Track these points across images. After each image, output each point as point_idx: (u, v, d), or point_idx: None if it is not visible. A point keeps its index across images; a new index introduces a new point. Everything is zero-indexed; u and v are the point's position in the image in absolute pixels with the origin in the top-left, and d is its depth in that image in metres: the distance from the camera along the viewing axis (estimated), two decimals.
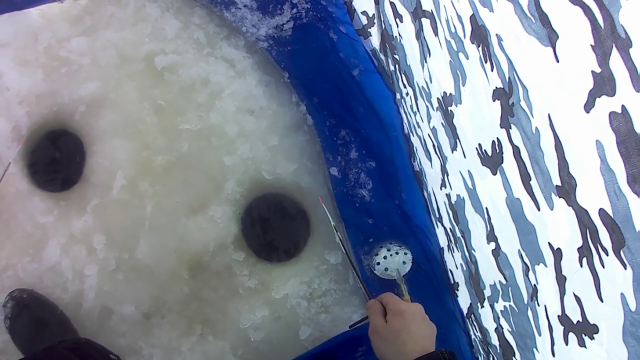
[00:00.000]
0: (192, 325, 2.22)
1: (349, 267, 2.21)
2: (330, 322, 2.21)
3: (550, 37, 0.91)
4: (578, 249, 1.04)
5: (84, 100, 2.27)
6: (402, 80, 2.03)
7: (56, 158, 2.29)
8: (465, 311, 2.14)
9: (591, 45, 0.78)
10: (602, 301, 1.01)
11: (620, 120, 0.78)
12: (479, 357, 2.13)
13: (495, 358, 1.89)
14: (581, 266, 1.05)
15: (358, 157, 2.24)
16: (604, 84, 0.79)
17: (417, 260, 2.20)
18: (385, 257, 2.16)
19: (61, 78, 2.28)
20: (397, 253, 2.17)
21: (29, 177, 2.27)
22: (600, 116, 0.82)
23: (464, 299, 2.11)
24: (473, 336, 2.13)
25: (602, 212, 0.91)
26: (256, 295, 2.22)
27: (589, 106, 0.84)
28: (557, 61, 0.90)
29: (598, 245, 0.96)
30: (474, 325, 2.05)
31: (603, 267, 0.96)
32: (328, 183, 2.26)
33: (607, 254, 0.94)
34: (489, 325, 1.84)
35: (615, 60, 0.75)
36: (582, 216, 0.98)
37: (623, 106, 0.76)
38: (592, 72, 0.80)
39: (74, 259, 2.25)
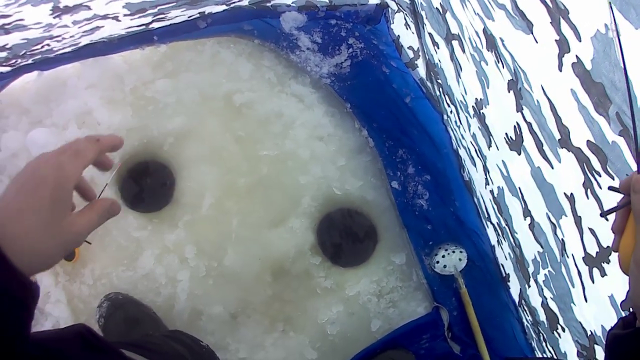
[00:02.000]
0: (274, 323, 2.40)
1: (413, 266, 2.47)
2: (398, 315, 2.41)
3: (529, 26, 1.24)
4: (583, 184, 1.28)
5: (171, 134, 2.47)
6: (446, 101, 2.29)
7: (148, 183, 2.48)
8: (517, 300, 2.33)
9: (550, 22, 1.11)
10: (607, 220, 1.11)
11: (578, 67, 1.08)
12: (532, 342, 2.31)
13: (545, 335, 2.06)
14: (587, 198, 1.28)
15: (415, 172, 2.50)
16: (563, 46, 1.11)
17: (471, 258, 2.42)
18: (443, 256, 2.41)
19: (149, 114, 2.47)
20: (453, 252, 2.41)
21: (123, 200, 2.44)
22: (567, 70, 1.13)
23: (514, 288, 2.30)
24: (525, 323, 2.32)
25: (588, 142, 1.17)
26: (332, 294, 2.42)
27: (560, 66, 1.15)
28: (537, 42, 1.23)
29: (593, 172, 1.20)
30: (525, 310, 2.25)
31: (600, 188, 1.20)
32: (390, 195, 2.49)
33: (600, 175, 1.18)
34: (536, 302, 2.02)
35: (564, 26, 1.07)
36: (578, 154, 1.24)
37: (576, 55, 1.07)
38: (555, 40, 1.12)
39: (167, 267, 2.42)
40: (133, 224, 2.44)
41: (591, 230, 1.34)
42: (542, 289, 1.91)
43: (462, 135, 2.28)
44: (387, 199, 2.52)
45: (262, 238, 2.48)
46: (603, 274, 1.34)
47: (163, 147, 2.49)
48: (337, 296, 2.44)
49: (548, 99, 1.31)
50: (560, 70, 1.17)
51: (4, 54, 2.00)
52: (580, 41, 1.05)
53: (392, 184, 2.49)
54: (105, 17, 2.00)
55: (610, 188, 0.95)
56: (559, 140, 1.34)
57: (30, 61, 2.29)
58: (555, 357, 2.02)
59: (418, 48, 2.37)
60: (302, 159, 2.50)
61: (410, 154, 2.52)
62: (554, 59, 1.17)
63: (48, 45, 2.11)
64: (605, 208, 1.10)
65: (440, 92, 2.36)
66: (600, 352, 1.53)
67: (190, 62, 2.57)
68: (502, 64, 1.51)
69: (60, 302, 2.36)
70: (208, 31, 2.55)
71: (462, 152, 2.40)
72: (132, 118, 2.48)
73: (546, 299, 1.90)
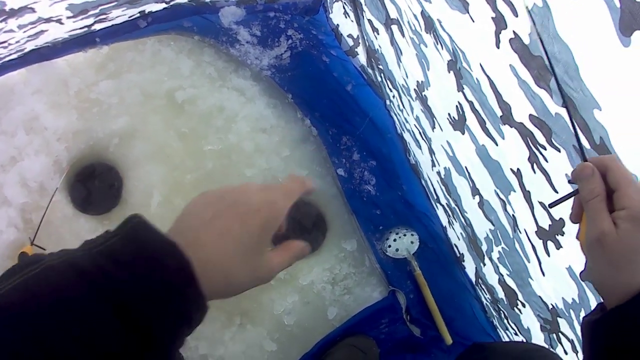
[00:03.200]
0: (231, 317, 2.34)
1: (365, 251, 2.41)
2: (353, 301, 2.36)
3: (465, 6, 1.18)
4: (528, 159, 1.25)
5: (116, 134, 2.41)
6: (388, 86, 2.25)
7: (96, 185, 2.43)
8: (473, 279, 2.30)
9: (485, 0, 1.07)
10: (556, 192, 1.20)
11: (516, 42, 1.03)
12: (493, 320, 2.28)
13: (505, 312, 2.04)
14: (534, 172, 1.26)
15: (360, 158, 2.44)
16: (500, 22, 1.05)
17: (423, 241, 2.38)
18: (395, 240, 2.36)
19: (93, 117, 2.41)
20: (404, 235, 2.36)
21: (73, 203, 2.38)
22: (505, 46, 1.08)
23: (470, 267, 2.27)
24: (485, 301, 2.29)
25: (531, 116, 1.14)
26: (285, 284, 2.36)
27: (497, 43, 1.10)
28: (473, 21, 1.17)
29: (538, 145, 1.17)
30: (483, 289, 2.21)
31: (547, 161, 1.18)
32: (337, 183, 2.44)
33: (545, 149, 1.15)
34: (493, 280, 2.00)
35: (500, 3, 1.02)
36: (521, 129, 1.21)
37: (513, 31, 1.02)
38: (492, 17, 1.06)
39: None
40: (84, 227, 2.37)
41: (541, 204, 1.32)
42: (497, 267, 1.89)
43: (405, 119, 2.23)
44: (333, 186, 2.47)
45: None
46: (558, 246, 1.33)
47: (109, 148, 2.43)
48: (291, 286, 2.38)
49: (487, 76, 1.26)
50: (498, 47, 1.13)
51: None
52: (516, 17, 1.01)
53: (337, 171, 2.44)
54: (49, 20, 1.94)
55: (551, 205, 0.98)
56: (500, 116, 1.30)
57: None
58: (521, 336, 1.99)
59: (358, 36, 2.32)
60: (247, 152, 2.45)
61: (355, 141, 2.47)
62: (491, 37, 1.13)
63: None
64: (554, 182, 1.16)
65: (381, 77, 2.32)
66: (564, 324, 1.50)
67: (132, 62, 2.51)
68: (441, 45, 1.46)
69: None
70: (148, 30, 2.49)
71: (406, 135, 2.36)
72: (78, 121, 2.42)
73: (503, 276, 1.88)
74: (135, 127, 2.45)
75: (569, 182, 1.04)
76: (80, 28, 2.26)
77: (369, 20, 2.07)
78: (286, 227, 0.94)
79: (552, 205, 0.98)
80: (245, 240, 0.82)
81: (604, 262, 0.85)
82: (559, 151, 1.11)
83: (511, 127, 1.27)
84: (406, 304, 2.35)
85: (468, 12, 1.20)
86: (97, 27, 2.36)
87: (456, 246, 2.37)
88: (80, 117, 2.43)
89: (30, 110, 2.40)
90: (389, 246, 2.37)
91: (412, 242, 2.38)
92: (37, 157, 2.36)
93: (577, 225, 0.93)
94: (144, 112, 2.47)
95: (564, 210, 1.05)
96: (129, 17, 2.40)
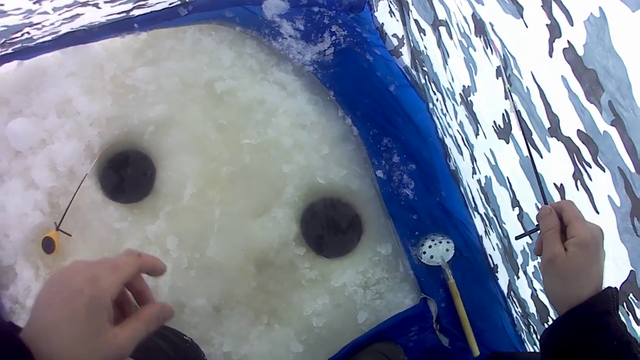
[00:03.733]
0: (259, 315, 2.37)
1: (399, 257, 2.44)
2: (384, 307, 2.38)
3: (519, 10, 1.21)
4: (573, 175, 1.28)
5: (152, 122, 2.45)
6: (432, 89, 2.29)
7: (128, 173, 2.47)
8: (505, 290, 2.32)
9: (541, 5, 1.09)
10: (598, 213, 1.22)
11: (569, 53, 1.07)
12: (522, 334, 2.30)
13: (535, 327, 2.05)
14: (577, 190, 1.28)
15: (400, 160, 2.48)
16: (554, 30, 1.09)
17: (459, 249, 2.40)
18: (430, 247, 2.39)
19: (129, 103, 2.47)
20: (440, 242, 2.39)
21: (103, 190, 2.43)
22: (558, 55, 1.11)
23: (503, 279, 2.29)
24: (515, 314, 2.31)
25: (579, 132, 1.17)
26: (317, 285, 2.39)
27: (550, 51, 1.13)
28: (527, 27, 1.21)
29: (583, 162, 1.19)
30: (514, 302, 2.23)
31: (591, 179, 1.20)
32: (375, 184, 2.48)
33: (590, 167, 1.18)
34: (526, 294, 2.01)
35: (556, 10, 1.05)
36: (568, 143, 1.24)
37: (568, 40, 1.05)
38: (546, 24, 1.10)
39: None
40: (114, 215, 2.41)
41: None
42: (531, 281, 1.90)
43: (448, 123, 2.27)
44: (372, 188, 2.51)
45: (245, 228, 2.46)
46: None
47: (143, 136, 2.47)
48: (323, 287, 2.41)
49: (538, 85, 1.29)
50: (551, 56, 1.15)
51: None
52: (572, 25, 1.03)
53: (376, 172, 2.48)
54: (85, 3, 1.97)
55: (517, 237, 1.32)
56: (548, 128, 1.32)
57: (10, 50, 2.27)
58: None
59: (403, 35, 2.36)
60: (285, 148, 2.48)
61: (395, 143, 2.51)
62: (544, 44, 1.15)
63: (28, 33, 2.09)
64: (597, 203, 1.20)
65: (425, 79, 2.35)
66: None
67: (171, 50, 2.56)
68: (491, 49, 1.49)
69: None
70: (189, 18, 2.54)
71: (448, 140, 2.39)
72: (112, 107, 2.46)
73: (536, 290, 1.89)
74: (172, 116, 2.49)
75: (516, 238, 1.33)
76: (118, 13, 2.31)
77: (416, 21, 2.11)
78: (117, 316, 0.89)
79: (517, 237, 1.30)
80: (75, 326, 0.81)
81: (556, 278, 1.10)
82: (604, 171, 1.13)
83: (558, 140, 1.30)
84: (437, 312, 2.39)
85: (522, 17, 1.23)
86: (136, 12, 2.41)
87: (491, 256, 2.39)
88: (115, 103, 2.48)
89: (64, 93, 2.45)
90: (424, 252, 2.40)
91: (447, 250, 2.40)
92: (68, 141, 2.41)
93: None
94: (182, 101, 2.51)
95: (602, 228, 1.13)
96: (169, 5, 2.45)
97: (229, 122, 2.51)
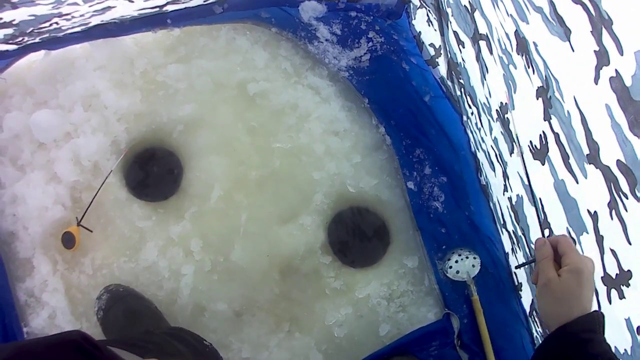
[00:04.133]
0: (280, 322, 2.40)
1: (425, 270, 2.47)
2: (407, 320, 2.41)
3: (566, 33, 1.25)
4: (608, 204, 1.31)
5: (181, 121, 2.48)
6: (467, 102, 2.32)
7: (155, 170, 2.50)
8: (527, 310, 2.36)
9: (590, 31, 1.12)
10: (630, 244, 1.26)
11: (616, 82, 1.10)
12: None
13: None
14: (612, 219, 1.31)
15: (431, 173, 2.52)
16: (602, 58, 1.12)
17: (484, 265, 2.43)
18: (456, 261, 2.42)
19: (158, 100, 2.48)
20: (467, 257, 2.42)
21: (128, 187, 2.46)
22: (604, 83, 1.14)
23: (526, 298, 2.33)
24: (535, 334, 2.35)
25: (618, 162, 1.19)
26: (341, 295, 2.42)
27: (596, 78, 1.17)
28: (573, 51, 1.25)
29: (620, 193, 1.22)
30: (536, 322, 2.28)
31: (626, 210, 1.23)
32: (405, 196, 2.51)
33: (627, 198, 1.20)
34: None
35: (606, 37, 1.08)
36: (607, 172, 1.27)
37: (616, 69, 1.08)
38: (594, 51, 1.14)
39: (170, 260, 2.41)
40: (137, 213, 2.44)
41: (613, 251, 1.37)
42: None
43: (482, 138, 2.30)
44: (401, 199, 2.54)
45: (272, 234, 2.49)
46: (621, 296, 1.39)
47: (172, 134, 2.50)
48: (346, 298, 2.44)
49: (580, 111, 1.32)
50: (597, 83, 1.18)
51: (10, 31, 1.99)
52: (622, 55, 1.05)
53: (407, 184, 2.51)
54: None
55: (517, 267, 1.59)
56: (587, 155, 1.36)
57: (37, 40, 2.29)
58: None
59: (440, 46, 2.39)
60: (317, 154, 2.51)
61: (428, 154, 2.54)
62: (590, 71, 1.18)
63: (57, 23, 2.11)
64: (629, 234, 1.27)
65: (461, 92, 2.39)
66: None
67: (204, 48, 2.59)
68: (533, 69, 1.52)
69: (57, 291, 2.36)
70: (224, 17, 2.56)
71: (480, 155, 2.43)
72: (141, 103, 2.50)
73: None
74: (202, 115, 2.53)
75: (516, 267, 1.60)
76: (151, 8, 2.33)
77: (455, 32, 2.13)
78: None
79: (517, 267, 1.61)
80: None
81: (550, 299, 1.31)
82: None
83: (596, 168, 1.32)
84: (459, 328, 2.42)
85: (569, 40, 1.26)
86: (170, 8, 2.43)
87: (515, 274, 2.42)
88: (144, 99, 2.51)
89: (91, 86, 2.48)
90: (450, 267, 2.43)
91: (473, 266, 2.43)
92: (94, 135, 2.44)
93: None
94: (213, 101, 2.54)
95: (633, 260, 1.30)
96: (204, 1, 2.48)
97: (260, 125, 2.54)
